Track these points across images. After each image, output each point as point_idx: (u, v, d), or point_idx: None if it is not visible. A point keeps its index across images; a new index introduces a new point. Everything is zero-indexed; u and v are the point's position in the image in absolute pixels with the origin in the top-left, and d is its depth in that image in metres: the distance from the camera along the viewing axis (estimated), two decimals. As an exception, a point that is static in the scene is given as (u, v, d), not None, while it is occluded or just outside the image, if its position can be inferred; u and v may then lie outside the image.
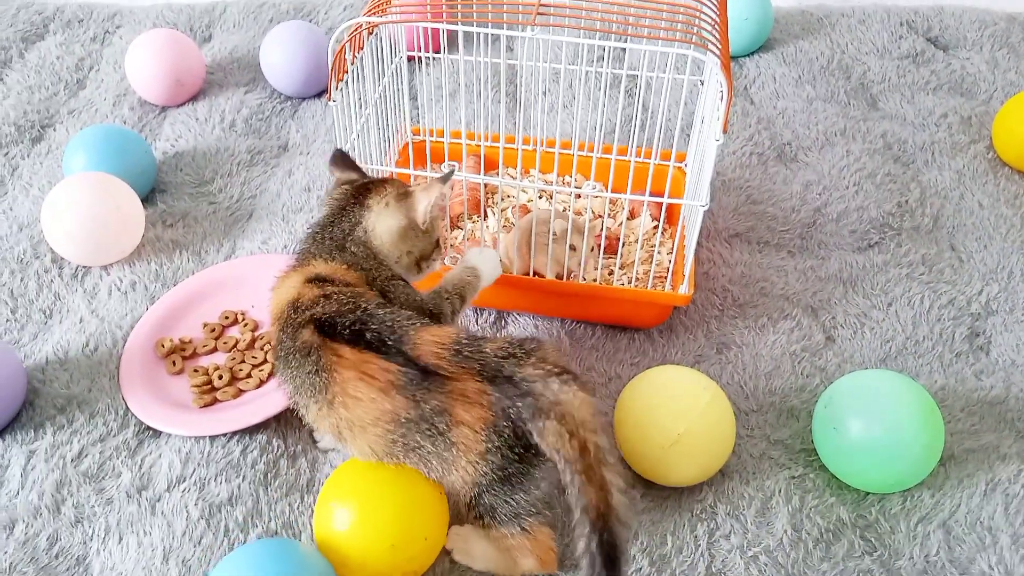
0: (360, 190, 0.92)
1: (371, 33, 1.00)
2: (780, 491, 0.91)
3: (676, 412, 0.87)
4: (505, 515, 0.79)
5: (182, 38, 1.46)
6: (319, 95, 1.49)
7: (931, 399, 0.88)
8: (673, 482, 0.90)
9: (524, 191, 1.22)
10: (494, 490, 0.78)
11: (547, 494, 0.81)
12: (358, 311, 0.80)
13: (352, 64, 0.97)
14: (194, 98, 1.48)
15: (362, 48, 0.99)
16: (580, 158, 1.21)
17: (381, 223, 0.89)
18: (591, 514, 0.71)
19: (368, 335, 0.78)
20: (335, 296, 0.83)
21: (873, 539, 0.87)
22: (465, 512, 0.82)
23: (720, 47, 0.89)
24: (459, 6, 1.03)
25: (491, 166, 1.25)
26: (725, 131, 0.88)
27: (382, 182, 0.93)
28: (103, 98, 1.50)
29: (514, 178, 1.23)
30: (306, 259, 0.90)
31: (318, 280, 0.86)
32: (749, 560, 0.85)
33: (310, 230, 0.93)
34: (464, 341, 0.78)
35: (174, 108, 1.47)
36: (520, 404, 0.74)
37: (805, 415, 0.99)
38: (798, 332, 1.08)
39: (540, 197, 1.21)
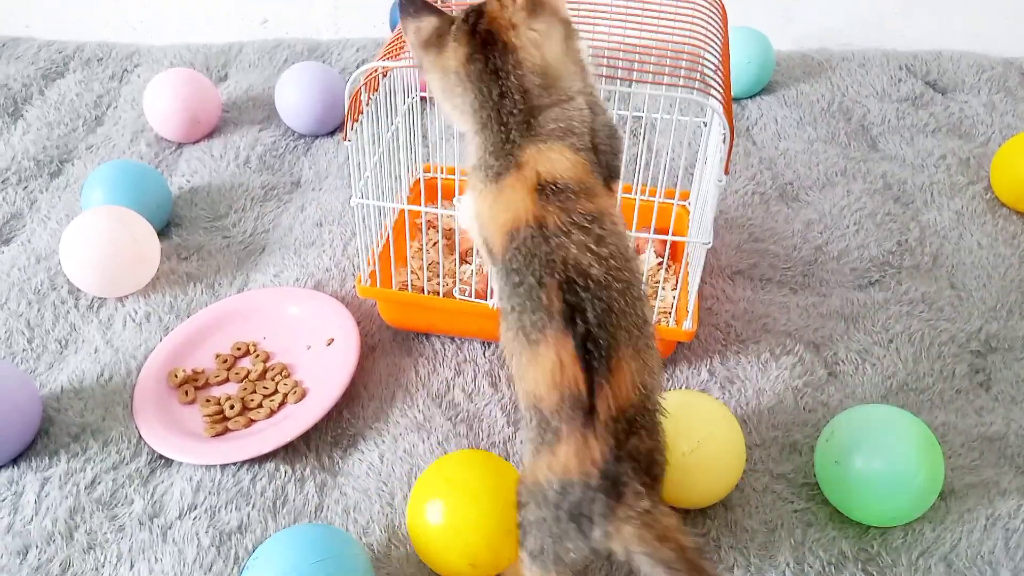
0: (486, 35, 0.77)
1: (385, 75, 1.03)
2: (783, 524, 0.92)
3: (695, 421, 0.89)
4: (531, 546, 0.76)
5: (199, 77, 1.50)
6: (332, 133, 1.52)
7: (931, 434, 0.90)
8: (685, 501, 0.91)
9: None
10: (536, 511, 0.75)
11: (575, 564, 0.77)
12: (609, 300, 0.71)
13: (367, 105, 1.00)
14: (210, 135, 1.52)
15: (376, 89, 1.02)
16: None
17: (551, 46, 0.77)
18: None
19: (589, 345, 0.70)
20: (579, 236, 0.72)
21: (875, 572, 0.88)
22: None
23: (722, 91, 0.92)
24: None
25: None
26: (727, 172, 0.90)
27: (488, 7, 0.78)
28: (121, 134, 1.53)
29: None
30: (512, 149, 0.75)
31: (554, 191, 0.73)
32: (752, 592, 0.86)
33: (485, 111, 0.76)
34: (638, 418, 0.72)
35: (190, 145, 1.51)
36: (601, 497, 0.71)
37: (808, 449, 1.00)
38: (800, 367, 1.09)
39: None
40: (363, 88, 0.97)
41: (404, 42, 1.04)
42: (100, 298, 1.21)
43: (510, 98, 0.75)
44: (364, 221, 1.08)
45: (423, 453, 1.00)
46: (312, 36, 1.78)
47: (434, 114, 1.36)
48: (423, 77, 0.81)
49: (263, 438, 1.00)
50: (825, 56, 1.70)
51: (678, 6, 1.04)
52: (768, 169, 1.43)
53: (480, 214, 0.77)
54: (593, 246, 0.72)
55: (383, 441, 1.02)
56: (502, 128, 0.76)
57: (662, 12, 1.04)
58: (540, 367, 0.71)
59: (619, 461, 0.71)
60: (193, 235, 1.32)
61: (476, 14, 0.78)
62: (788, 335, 1.14)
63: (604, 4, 1.07)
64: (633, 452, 0.72)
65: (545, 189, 0.73)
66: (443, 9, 0.81)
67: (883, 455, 0.88)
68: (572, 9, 0.97)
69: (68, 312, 1.19)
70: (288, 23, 1.78)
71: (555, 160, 0.74)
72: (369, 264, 1.10)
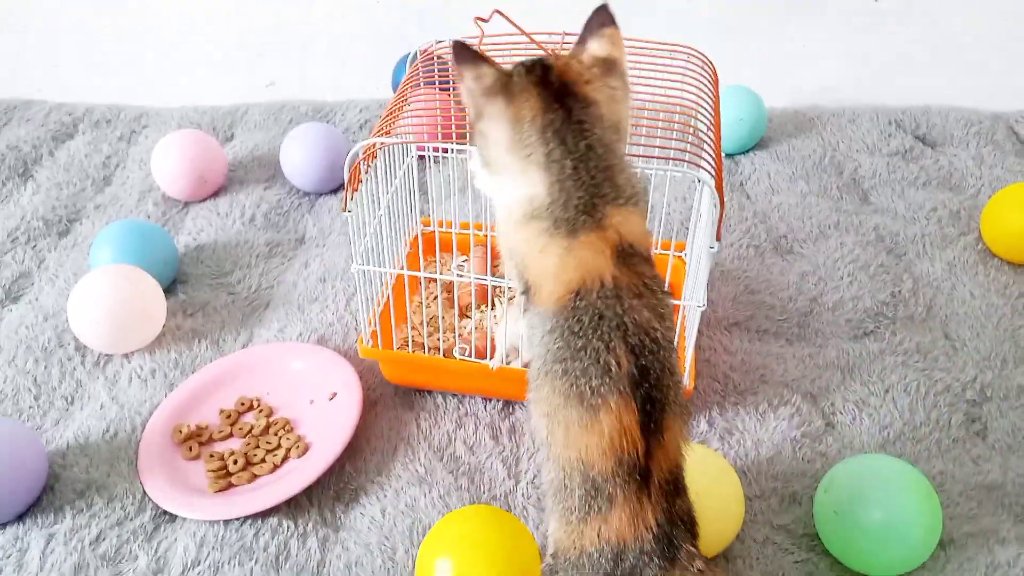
0: (560, 87, 0.74)
1: (382, 147, 1.06)
2: (784, 575, 0.92)
3: (695, 473, 0.87)
4: None
5: (206, 138, 1.54)
6: (335, 191, 1.56)
7: (928, 483, 0.91)
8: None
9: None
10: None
11: None
12: (664, 361, 0.71)
13: (366, 174, 1.03)
14: (216, 194, 1.56)
15: (375, 157, 1.05)
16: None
17: (624, 106, 0.76)
18: None
19: (648, 408, 0.71)
20: (649, 299, 0.72)
21: (877, 624, 0.88)
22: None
23: (713, 160, 0.95)
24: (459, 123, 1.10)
25: (497, 255, 1.30)
26: (719, 239, 0.93)
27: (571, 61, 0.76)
28: (128, 194, 1.57)
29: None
30: (596, 207, 0.73)
31: (626, 256, 0.73)
32: (754, 645, 0.87)
33: (565, 162, 0.73)
34: (679, 475, 0.74)
35: (196, 203, 1.54)
36: (656, 561, 0.71)
37: (807, 499, 1.01)
38: (798, 418, 1.10)
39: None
40: (362, 161, 1.00)
41: (402, 105, 1.07)
42: (106, 355, 1.23)
43: (595, 153, 0.73)
44: (364, 285, 1.09)
45: (425, 507, 1.01)
46: (316, 97, 1.83)
47: (432, 171, 1.39)
48: (479, 126, 0.77)
49: (266, 493, 1.01)
50: (816, 112, 1.74)
51: (669, 66, 1.08)
52: (762, 223, 1.46)
53: (533, 264, 0.74)
54: (658, 309, 0.73)
55: (385, 495, 1.03)
56: (583, 186, 0.73)
57: (654, 71, 1.07)
58: (597, 433, 0.70)
59: (672, 524, 0.72)
60: (199, 292, 1.35)
61: (540, 67, 0.75)
62: (785, 386, 1.15)
63: None
64: (680, 513, 0.73)
65: (624, 252, 0.73)
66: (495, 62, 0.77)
67: (882, 505, 0.89)
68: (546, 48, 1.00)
69: (75, 369, 1.21)
70: (293, 85, 1.83)
71: (634, 224, 0.74)
72: (370, 324, 1.12)
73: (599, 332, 0.71)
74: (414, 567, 0.95)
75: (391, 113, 1.04)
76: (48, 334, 1.26)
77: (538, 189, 0.74)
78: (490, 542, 0.85)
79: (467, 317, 1.23)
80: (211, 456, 1.08)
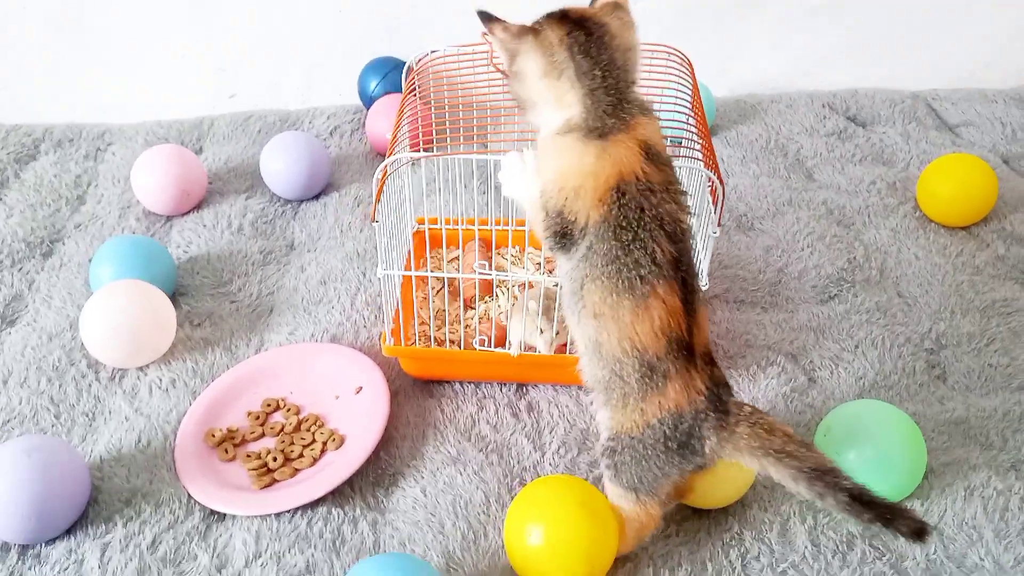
0: (578, 17, 0.88)
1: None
2: (795, 513, 1.04)
3: None
4: (627, 479, 0.92)
5: (185, 152, 1.56)
6: (317, 197, 1.60)
7: (913, 422, 1.04)
8: (710, 502, 1.02)
9: (521, 266, 1.35)
10: (635, 452, 0.90)
11: (671, 487, 0.94)
12: (690, 249, 0.88)
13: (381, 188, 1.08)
14: (198, 207, 1.58)
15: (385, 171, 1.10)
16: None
17: (631, 34, 0.89)
18: (820, 475, 0.85)
19: (686, 290, 0.87)
20: (673, 197, 0.87)
21: (880, 546, 1.00)
22: (599, 456, 0.96)
23: (703, 148, 1.05)
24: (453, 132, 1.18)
25: (494, 245, 1.38)
26: (719, 225, 1.04)
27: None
28: (107, 211, 1.58)
29: (514, 257, 1.36)
30: (623, 112, 0.87)
31: (652, 155, 0.87)
32: (780, 575, 0.98)
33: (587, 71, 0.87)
34: (710, 350, 0.91)
35: (179, 217, 1.56)
36: (712, 415, 0.88)
37: (803, 446, 1.12)
38: (784, 376, 1.22)
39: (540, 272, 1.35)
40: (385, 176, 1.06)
41: (412, 118, 1.14)
42: (120, 369, 1.25)
43: (616, 65, 0.87)
44: (389, 288, 1.16)
45: (463, 484, 1.08)
46: (281, 107, 1.86)
47: (420, 169, 1.43)
48: (514, 68, 0.89)
49: (313, 484, 1.06)
50: (756, 100, 1.88)
51: (652, 66, 1.17)
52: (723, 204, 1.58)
53: (574, 172, 0.86)
54: (682, 203, 0.87)
55: (422, 477, 1.10)
56: (611, 93, 0.87)
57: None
58: (649, 318, 0.86)
59: (716, 385, 0.89)
60: (201, 302, 1.38)
61: (559, 10, 0.89)
62: (769, 348, 1.27)
63: None
64: (718, 378, 0.90)
65: (650, 151, 0.87)
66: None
67: (875, 443, 1.02)
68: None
69: (90, 385, 1.23)
70: (256, 96, 1.86)
71: (654, 129, 0.88)
72: (394, 323, 1.18)
73: (643, 223, 0.85)
74: (462, 538, 1.02)
75: (404, 126, 1.10)
76: (56, 353, 1.27)
77: (573, 104, 0.87)
78: (576, 508, 0.93)
79: (471, 308, 1.30)
80: (248, 456, 1.12)
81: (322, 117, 1.81)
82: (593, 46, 0.86)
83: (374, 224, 1.08)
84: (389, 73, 1.73)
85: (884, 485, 1.01)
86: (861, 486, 0.85)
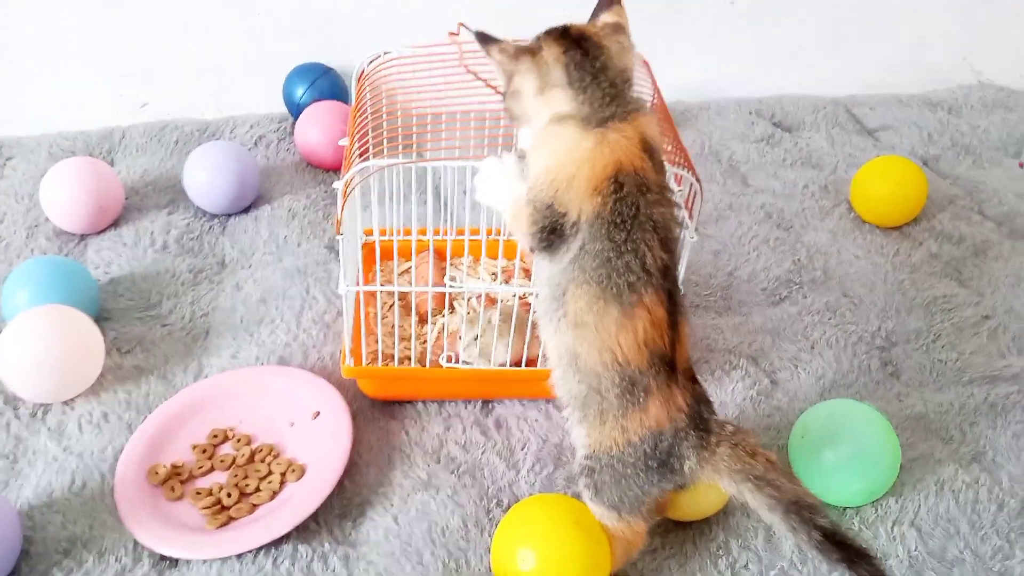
0: (577, 36, 0.86)
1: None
2: (778, 518, 1.03)
3: None
4: (608, 499, 0.88)
5: (99, 164, 1.44)
6: (246, 210, 1.51)
7: (886, 420, 1.05)
8: (693, 514, 1.00)
9: (477, 276, 1.31)
10: (614, 471, 0.87)
11: (652, 503, 0.91)
12: (676, 260, 0.86)
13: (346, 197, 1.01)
14: (115, 224, 1.46)
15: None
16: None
17: (627, 57, 0.87)
18: (798, 509, 0.82)
19: (670, 302, 0.84)
20: (666, 203, 0.84)
21: (864, 545, 1.00)
22: (576, 475, 0.93)
23: (676, 150, 1.03)
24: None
25: (444, 257, 1.33)
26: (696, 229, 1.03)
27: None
28: (12, 231, 1.44)
29: (464, 269, 1.31)
30: (620, 104, 0.84)
31: (651, 153, 0.84)
32: (771, 582, 0.96)
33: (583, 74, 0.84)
34: (691, 365, 0.89)
35: (94, 236, 1.44)
36: (692, 433, 0.85)
37: (776, 448, 1.12)
38: (748, 379, 1.22)
39: (496, 282, 1.30)
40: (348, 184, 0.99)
41: (377, 123, 1.08)
42: (42, 404, 1.13)
43: (609, 73, 0.84)
44: (350, 306, 1.09)
45: (436, 509, 1.03)
46: (196, 116, 1.75)
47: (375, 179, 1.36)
48: (512, 88, 0.87)
49: (275, 520, 0.98)
50: (685, 107, 1.90)
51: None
52: (667, 209, 1.58)
53: (568, 159, 0.82)
54: (672, 211, 0.85)
55: (392, 504, 1.03)
56: (606, 88, 0.83)
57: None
58: (633, 330, 0.82)
59: (698, 402, 0.86)
60: (128, 327, 1.27)
61: (559, 27, 0.86)
62: (730, 352, 1.27)
63: None
64: (700, 395, 0.88)
65: (648, 147, 0.83)
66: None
67: (853, 443, 1.02)
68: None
69: (8, 424, 1.11)
70: (169, 105, 1.74)
71: (654, 127, 0.85)
72: (355, 343, 1.11)
73: (638, 221, 0.82)
74: (443, 567, 0.96)
75: (365, 134, 1.04)
76: (-35, 391, 1.14)
77: (561, 102, 0.84)
78: (565, 528, 0.89)
79: (426, 323, 1.24)
80: (198, 493, 1.03)
81: (244, 126, 1.71)
82: (588, 62, 0.84)
83: (338, 237, 1.01)
84: (317, 80, 1.65)
85: (864, 483, 1.02)
86: (836, 525, 0.83)
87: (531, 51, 0.85)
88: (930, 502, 1.05)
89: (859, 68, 1.96)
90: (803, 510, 0.83)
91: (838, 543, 0.81)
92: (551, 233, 0.85)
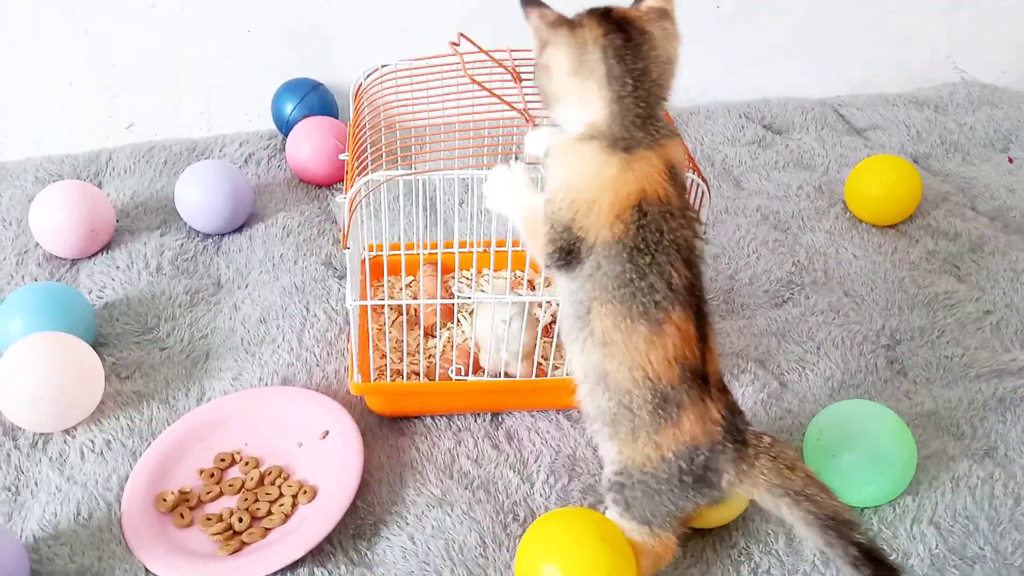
0: (620, 19, 0.81)
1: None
2: (797, 521, 1.02)
3: None
4: (639, 514, 0.87)
5: (89, 187, 1.42)
6: (240, 229, 1.49)
7: (900, 419, 1.04)
8: (713, 521, 0.99)
9: (483, 289, 1.29)
10: (647, 487, 0.86)
11: (684, 516, 0.90)
12: (702, 275, 0.84)
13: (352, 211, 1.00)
14: (107, 247, 1.43)
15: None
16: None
17: (671, 45, 0.83)
18: (836, 524, 0.81)
19: (699, 317, 0.83)
20: (689, 224, 0.83)
21: (884, 545, 1.00)
22: (604, 490, 0.91)
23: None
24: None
25: (446, 269, 1.31)
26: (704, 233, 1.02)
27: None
28: (2, 259, 1.41)
29: (468, 280, 1.30)
30: (652, 127, 0.81)
31: (675, 178, 0.81)
32: (795, 586, 0.95)
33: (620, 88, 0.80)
34: (722, 376, 0.88)
35: (86, 260, 1.41)
36: (730, 447, 0.83)
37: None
38: (758, 383, 1.21)
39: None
40: (357, 197, 0.98)
41: (375, 137, 1.06)
42: (43, 434, 1.11)
43: (649, 77, 0.80)
44: (357, 322, 1.07)
45: (452, 525, 1.01)
46: (184, 135, 1.73)
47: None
48: (542, 59, 0.83)
49: (289, 544, 0.96)
50: (675, 112, 1.89)
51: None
52: (663, 214, 1.58)
53: (591, 182, 0.80)
54: (696, 231, 0.84)
55: (407, 523, 1.02)
56: (641, 104, 0.80)
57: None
58: (662, 345, 0.81)
59: (732, 413, 0.85)
60: (126, 352, 1.24)
61: (602, 8, 0.83)
62: (737, 356, 1.26)
63: (530, 61, 1.12)
64: (733, 406, 0.86)
65: (673, 173, 0.82)
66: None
67: (870, 443, 1.02)
68: (499, 75, 1.04)
69: (8, 455, 1.08)
70: (156, 125, 1.72)
71: (680, 151, 0.83)
72: (363, 359, 1.10)
73: (662, 246, 0.80)
74: (464, 585, 0.95)
75: (365, 148, 1.02)
76: (-38, 423, 1.11)
77: (598, 108, 0.80)
78: (589, 542, 0.87)
79: (431, 336, 1.23)
80: (208, 519, 1.01)
81: (233, 144, 1.69)
82: (630, 53, 0.80)
83: (345, 251, 0.99)
84: (307, 95, 1.64)
85: (882, 483, 1.02)
86: (872, 542, 0.82)
87: (570, 24, 0.82)
88: (947, 499, 1.05)
89: (844, 69, 1.97)
90: (840, 526, 0.82)
91: (874, 560, 0.80)
92: (567, 254, 0.84)
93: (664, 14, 0.84)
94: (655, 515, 0.88)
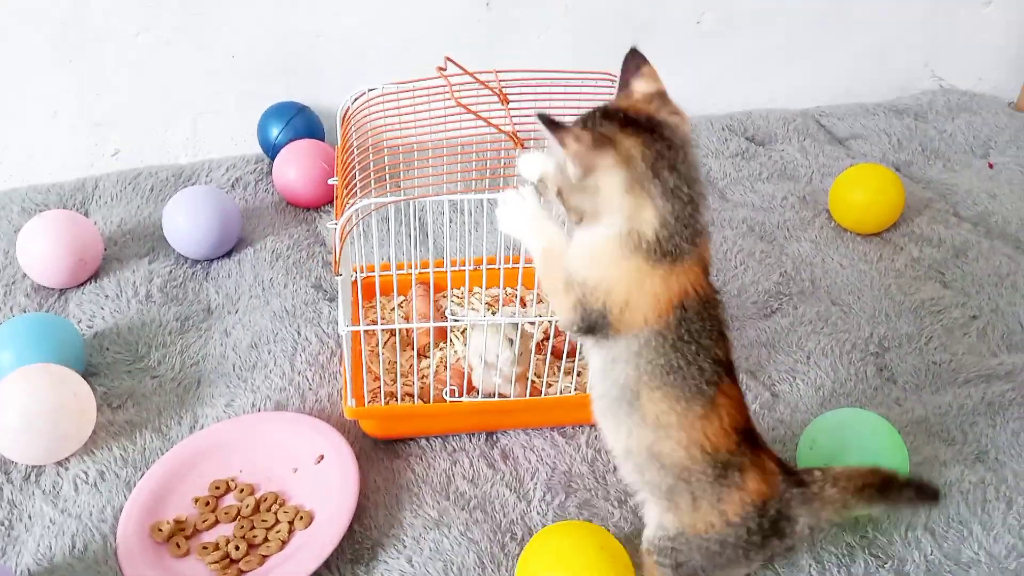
0: (646, 124, 0.77)
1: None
2: (793, 532, 1.03)
3: None
4: (689, 570, 0.86)
5: (76, 216, 1.42)
6: (228, 254, 1.49)
7: (892, 427, 1.05)
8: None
9: (474, 308, 1.30)
10: (708, 551, 0.85)
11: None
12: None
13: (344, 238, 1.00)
14: (95, 276, 1.43)
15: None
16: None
17: (687, 131, 0.80)
18: (885, 488, 0.89)
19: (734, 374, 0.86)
20: (720, 305, 0.84)
21: (880, 553, 1.01)
22: (645, 558, 0.90)
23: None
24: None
25: (438, 288, 1.32)
26: None
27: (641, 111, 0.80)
28: (-11, 290, 1.40)
29: (459, 299, 1.30)
30: (695, 235, 0.79)
31: (706, 270, 0.82)
32: (793, 597, 0.96)
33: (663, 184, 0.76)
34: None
35: (75, 289, 1.41)
36: (795, 491, 0.86)
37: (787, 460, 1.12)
38: (750, 394, 1.22)
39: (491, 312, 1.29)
40: (347, 224, 0.98)
41: (364, 162, 1.07)
42: (35, 466, 1.10)
43: (695, 181, 0.78)
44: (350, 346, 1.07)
45: (450, 547, 1.01)
46: (169, 161, 1.73)
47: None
48: (587, 181, 0.77)
49: (288, 571, 0.96)
50: (658, 125, 1.91)
51: (594, 90, 1.15)
52: (651, 228, 1.59)
53: (631, 293, 0.79)
54: (723, 309, 0.85)
55: (405, 546, 1.02)
56: (690, 213, 0.78)
57: (580, 96, 1.14)
58: (718, 416, 0.82)
59: (780, 460, 0.88)
60: (117, 381, 1.24)
61: (617, 111, 0.78)
62: (728, 368, 1.27)
63: (516, 83, 1.13)
64: (771, 450, 0.88)
65: (706, 269, 0.83)
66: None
67: (862, 452, 1.02)
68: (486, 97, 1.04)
69: (1, 489, 1.07)
70: (142, 152, 1.72)
71: (709, 249, 0.83)
72: (356, 384, 1.10)
73: (706, 331, 0.81)
74: (463, 607, 0.95)
75: (353, 172, 1.03)
76: (-47, 458, 1.10)
77: (650, 221, 0.77)
78: (588, 555, 0.88)
79: (425, 357, 1.23)
80: (204, 548, 1.00)
81: (220, 169, 1.69)
82: (675, 158, 0.77)
83: (337, 277, 1.00)
84: (292, 119, 1.64)
85: (875, 492, 1.03)
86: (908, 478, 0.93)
87: (610, 142, 0.76)
88: (940, 505, 1.06)
89: (824, 79, 2.00)
90: (889, 486, 0.90)
91: (917, 487, 0.92)
92: (592, 327, 0.83)
93: (663, 97, 0.81)
94: (708, 571, 0.88)
